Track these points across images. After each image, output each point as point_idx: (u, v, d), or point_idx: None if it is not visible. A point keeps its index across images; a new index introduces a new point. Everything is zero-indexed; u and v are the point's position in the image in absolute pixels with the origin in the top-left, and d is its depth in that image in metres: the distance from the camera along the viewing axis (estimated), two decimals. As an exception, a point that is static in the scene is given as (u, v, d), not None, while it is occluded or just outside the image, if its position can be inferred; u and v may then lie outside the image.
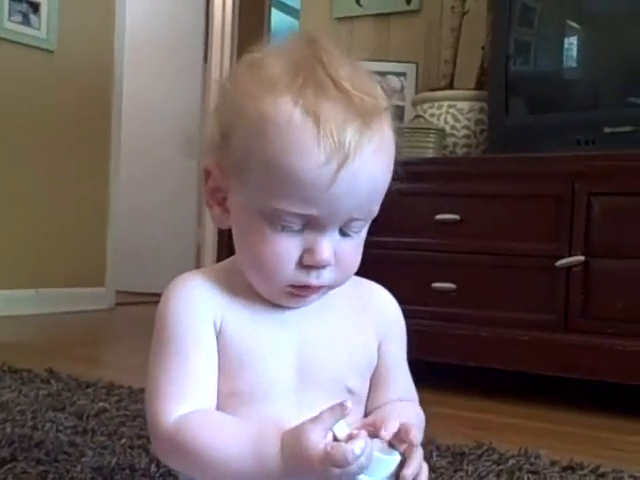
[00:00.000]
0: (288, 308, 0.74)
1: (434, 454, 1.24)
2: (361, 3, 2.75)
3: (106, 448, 1.21)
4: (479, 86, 2.27)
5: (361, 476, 0.63)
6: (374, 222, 0.73)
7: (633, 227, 1.74)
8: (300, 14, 3.12)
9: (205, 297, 0.73)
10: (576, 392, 1.93)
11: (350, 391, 0.75)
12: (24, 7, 3.24)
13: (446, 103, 2.23)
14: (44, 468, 1.09)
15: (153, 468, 1.10)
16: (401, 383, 0.81)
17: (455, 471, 1.18)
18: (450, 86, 2.33)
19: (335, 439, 0.62)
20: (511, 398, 1.87)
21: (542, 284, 1.84)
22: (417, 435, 0.68)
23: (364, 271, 0.76)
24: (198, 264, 4.28)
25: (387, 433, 0.66)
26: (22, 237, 3.26)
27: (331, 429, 0.63)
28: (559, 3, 2.16)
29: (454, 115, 2.22)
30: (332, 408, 0.63)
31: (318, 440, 0.62)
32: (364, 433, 0.62)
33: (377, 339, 0.79)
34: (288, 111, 0.65)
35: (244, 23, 4.30)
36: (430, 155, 2.11)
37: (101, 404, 1.50)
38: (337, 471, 0.61)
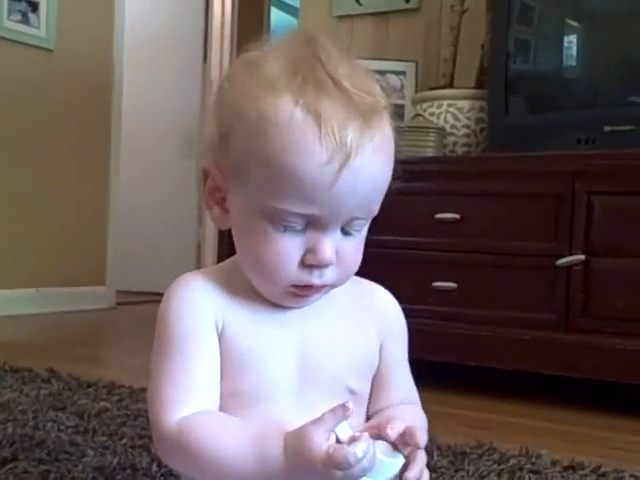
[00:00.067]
0: (289, 308, 0.73)
1: (435, 453, 1.23)
2: (361, 2, 2.75)
3: (107, 448, 1.20)
4: (479, 85, 2.27)
5: (364, 479, 0.62)
6: (374, 221, 0.73)
7: (633, 226, 1.73)
8: (300, 12, 3.12)
9: (206, 298, 0.72)
10: (577, 391, 1.92)
11: (351, 391, 0.75)
12: (23, 6, 3.24)
13: (446, 102, 2.23)
14: (45, 468, 1.09)
15: (154, 468, 1.10)
16: (403, 385, 0.81)
17: (456, 471, 1.18)
18: (450, 85, 2.33)
19: (338, 441, 0.62)
20: (512, 397, 1.87)
21: (542, 283, 1.84)
22: (422, 438, 0.67)
23: (364, 270, 0.76)
24: (198, 264, 4.28)
25: (393, 432, 0.66)
26: (22, 237, 3.26)
27: (333, 431, 0.62)
28: (558, 1, 2.16)
29: (454, 114, 2.22)
30: (334, 409, 0.63)
31: (321, 442, 0.62)
32: (367, 435, 0.62)
33: (379, 340, 0.78)
34: (289, 110, 0.64)
35: (244, 22, 4.30)
36: (430, 154, 2.11)
37: (102, 404, 1.50)
38: (339, 473, 0.60)
